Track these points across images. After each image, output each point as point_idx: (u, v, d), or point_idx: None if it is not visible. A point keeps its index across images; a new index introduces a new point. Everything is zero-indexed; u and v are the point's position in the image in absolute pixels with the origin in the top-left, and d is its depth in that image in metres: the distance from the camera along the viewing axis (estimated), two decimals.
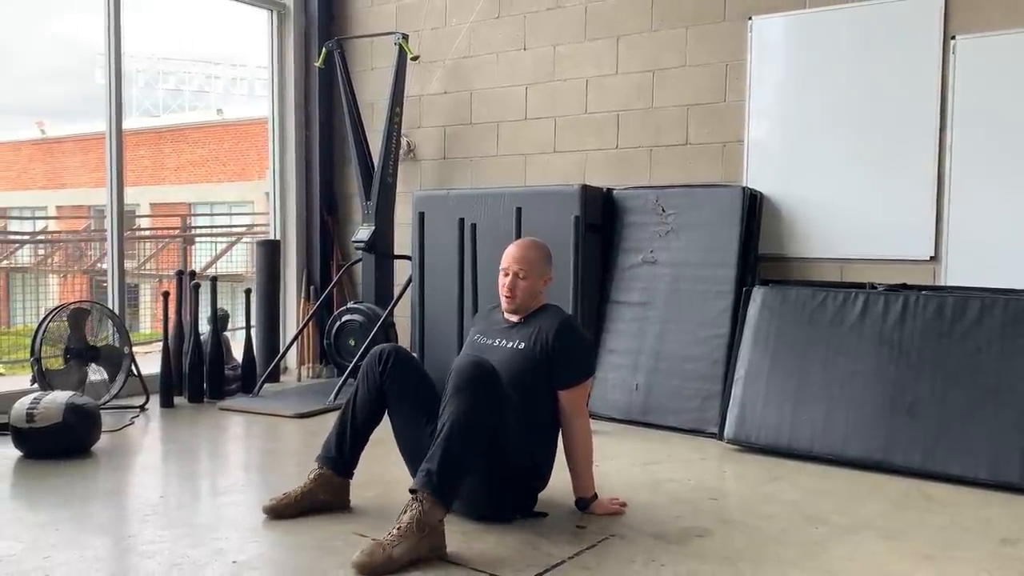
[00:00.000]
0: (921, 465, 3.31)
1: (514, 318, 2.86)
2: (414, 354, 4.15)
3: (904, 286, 3.70)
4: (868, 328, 3.60)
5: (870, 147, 4.05)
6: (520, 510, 2.75)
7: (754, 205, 4.19)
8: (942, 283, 3.85)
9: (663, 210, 4.31)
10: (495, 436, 2.53)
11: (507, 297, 2.84)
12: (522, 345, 2.77)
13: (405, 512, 2.39)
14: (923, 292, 3.60)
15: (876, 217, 4.04)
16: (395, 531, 2.35)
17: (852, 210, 4.09)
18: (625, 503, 2.89)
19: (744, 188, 4.18)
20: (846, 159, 4.11)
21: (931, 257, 3.92)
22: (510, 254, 2.85)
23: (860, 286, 3.77)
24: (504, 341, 2.82)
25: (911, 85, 3.94)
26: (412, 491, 2.41)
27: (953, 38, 3.84)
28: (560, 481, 3.14)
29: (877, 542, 2.61)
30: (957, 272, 3.84)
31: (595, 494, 2.84)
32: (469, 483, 2.51)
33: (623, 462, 3.49)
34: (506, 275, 2.82)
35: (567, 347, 2.74)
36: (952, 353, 3.42)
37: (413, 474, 2.58)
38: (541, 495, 2.85)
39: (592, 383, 2.90)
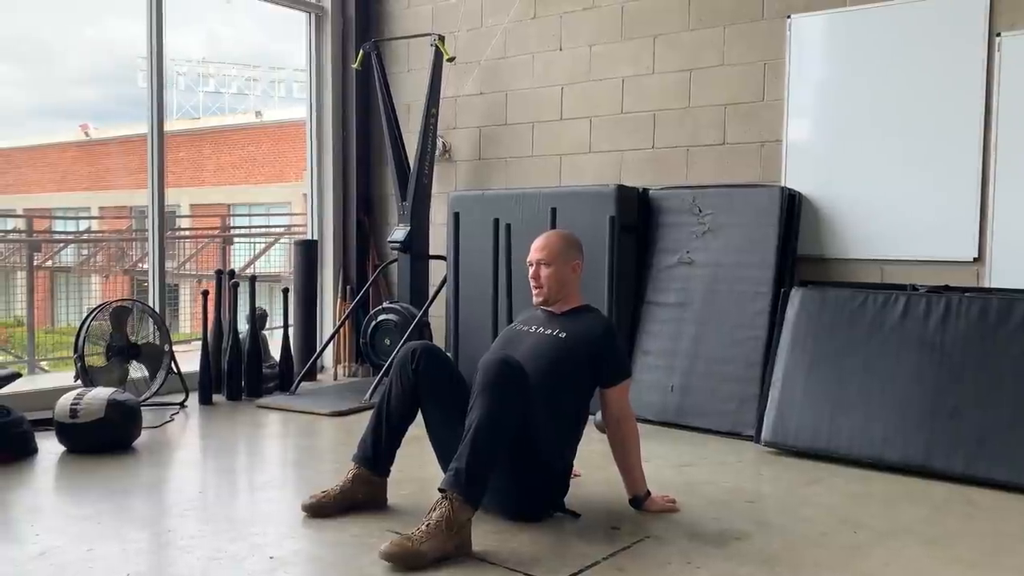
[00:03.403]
0: (963, 470, 3.24)
1: (553, 309, 2.89)
2: (448, 353, 4.16)
3: (947, 288, 3.63)
4: (909, 330, 3.54)
5: (912, 146, 3.99)
6: (550, 506, 2.75)
7: (792, 205, 4.14)
8: (986, 285, 3.77)
9: (700, 210, 4.28)
10: (522, 432, 2.53)
11: (535, 288, 2.89)
12: (564, 335, 2.79)
13: (434, 510, 2.40)
14: (966, 294, 3.53)
15: (918, 217, 3.97)
16: (424, 527, 2.37)
17: (893, 210, 4.02)
18: (675, 500, 2.89)
19: (782, 188, 4.14)
20: (887, 158, 4.04)
21: (975, 258, 3.84)
22: (533, 246, 2.93)
23: (901, 288, 3.71)
24: (544, 328, 2.85)
25: (954, 83, 3.87)
26: (441, 490, 2.43)
27: (998, 35, 3.76)
28: (594, 482, 3.14)
29: (918, 547, 2.57)
30: (1002, 273, 3.76)
31: (648, 491, 2.86)
32: (499, 480, 2.51)
33: (659, 463, 3.47)
34: (531, 266, 2.90)
35: (613, 347, 2.82)
36: (996, 356, 3.35)
37: (444, 471, 2.62)
38: (576, 496, 2.84)
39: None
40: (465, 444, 2.43)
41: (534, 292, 2.90)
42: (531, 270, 2.90)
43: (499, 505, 2.68)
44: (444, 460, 2.71)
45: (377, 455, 2.78)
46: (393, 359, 2.90)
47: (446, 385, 2.74)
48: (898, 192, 4.01)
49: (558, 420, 2.71)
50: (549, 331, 2.83)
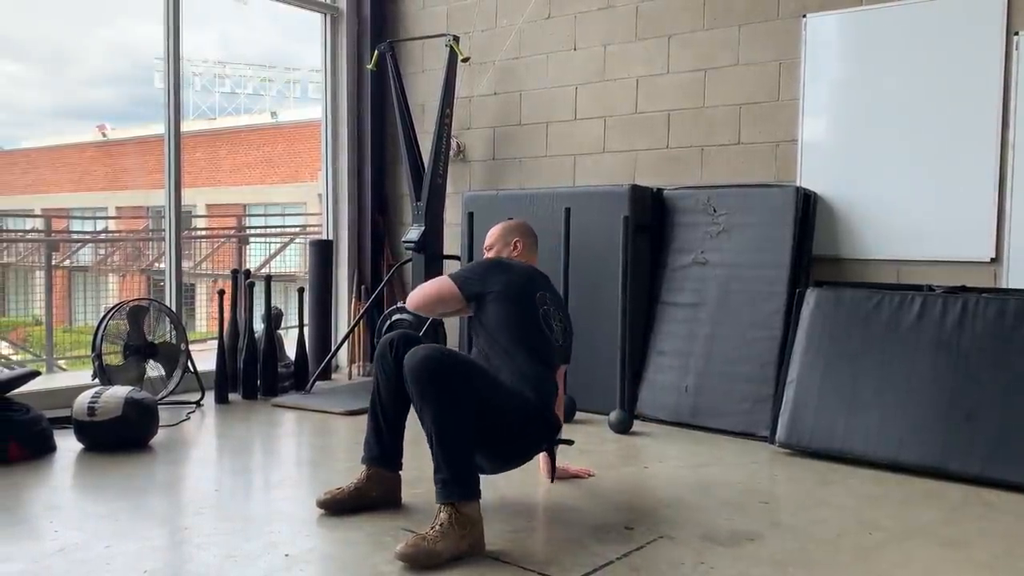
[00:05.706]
0: (980, 472, 3.22)
1: None
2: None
3: (963, 288, 3.61)
4: (925, 331, 3.52)
5: (928, 145, 3.96)
6: (543, 440, 2.78)
7: (808, 205, 4.13)
8: (1003, 285, 3.75)
9: (714, 210, 4.27)
10: (483, 402, 2.53)
11: None
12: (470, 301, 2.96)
13: (441, 512, 2.42)
14: (983, 295, 3.50)
15: (934, 217, 3.95)
16: (438, 527, 2.38)
17: (909, 210, 4.00)
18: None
19: (797, 188, 4.12)
20: (903, 158, 4.02)
21: (992, 259, 3.82)
22: None
23: (917, 288, 3.69)
24: None
25: (972, 82, 3.84)
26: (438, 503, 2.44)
27: (1016, 33, 3.74)
28: (608, 481, 3.14)
29: (933, 549, 2.56)
30: (1020, 274, 3.73)
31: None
32: (484, 455, 2.59)
33: (672, 464, 3.47)
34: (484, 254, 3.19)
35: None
36: (1013, 358, 3.32)
37: None
38: (589, 495, 2.84)
39: (451, 288, 2.92)
40: (436, 454, 2.45)
41: None
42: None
43: (498, 467, 2.74)
44: None
45: (384, 452, 2.79)
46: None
47: None
48: (914, 192, 3.99)
49: (504, 370, 2.73)
50: None
